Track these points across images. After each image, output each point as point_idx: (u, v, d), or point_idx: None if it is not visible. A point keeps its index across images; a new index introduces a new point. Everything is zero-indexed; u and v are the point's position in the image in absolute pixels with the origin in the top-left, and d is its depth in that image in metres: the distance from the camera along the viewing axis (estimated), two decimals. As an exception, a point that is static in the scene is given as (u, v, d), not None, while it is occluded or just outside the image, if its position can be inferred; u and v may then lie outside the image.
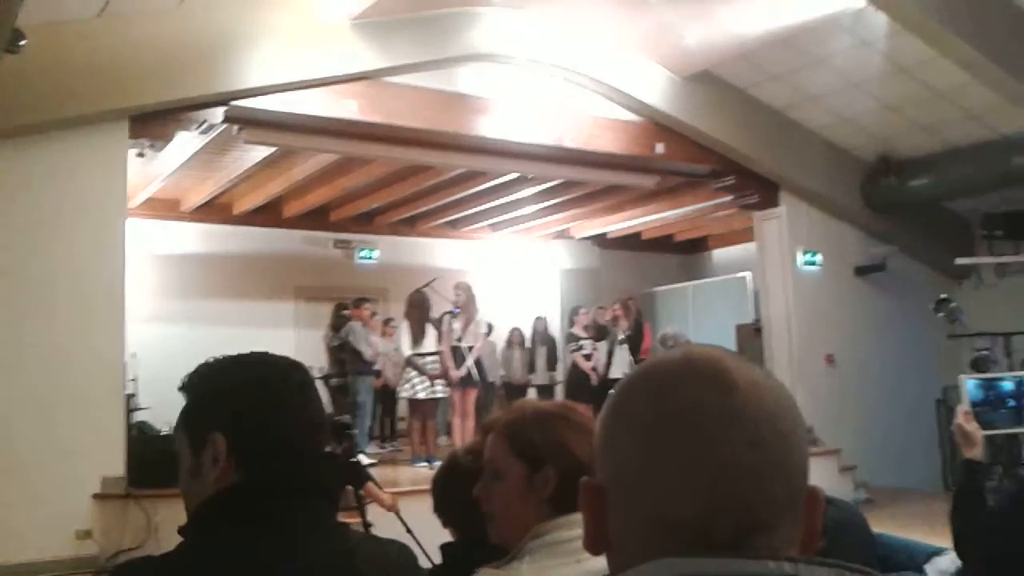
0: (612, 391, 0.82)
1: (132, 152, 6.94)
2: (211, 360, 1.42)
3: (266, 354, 1.44)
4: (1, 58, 5.14)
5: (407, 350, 8.48)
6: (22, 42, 5.19)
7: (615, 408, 0.79)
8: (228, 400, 1.36)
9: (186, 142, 7.80)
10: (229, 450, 1.31)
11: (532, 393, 11.07)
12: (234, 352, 1.44)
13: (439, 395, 8.44)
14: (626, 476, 0.76)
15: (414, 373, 8.39)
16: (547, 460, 1.52)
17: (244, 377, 1.39)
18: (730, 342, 11.09)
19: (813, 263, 9.77)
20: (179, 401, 1.40)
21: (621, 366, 9.46)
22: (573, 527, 1.42)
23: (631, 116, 8.58)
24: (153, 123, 6.72)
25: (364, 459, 7.39)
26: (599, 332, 10.06)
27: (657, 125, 8.66)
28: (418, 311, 8.57)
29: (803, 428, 0.77)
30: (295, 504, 1.30)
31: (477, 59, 7.68)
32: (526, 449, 1.56)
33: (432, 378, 8.36)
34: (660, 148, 8.72)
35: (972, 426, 2.71)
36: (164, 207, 10.79)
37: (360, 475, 3.83)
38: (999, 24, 6.79)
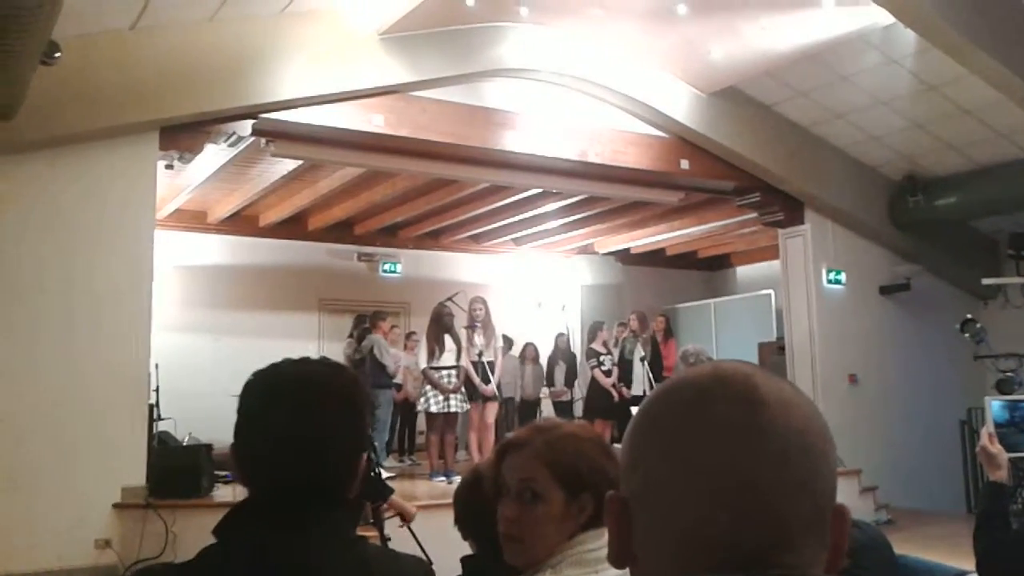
0: (639, 405, 0.82)
1: (161, 164, 7.01)
2: (281, 361, 1.40)
3: (311, 363, 1.40)
4: (36, 70, 5.22)
5: (424, 364, 8.49)
6: (57, 54, 5.28)
7: (643, 422, 0.79)
8: (241, 409, 1.35)
9: (214, 154, 7.88)
10: (235, 460, 1.32)
11: (547, 408, 11.06)
12: (281, 358, 1.40)
13: (453, 410, 8.37)
14: (652, 490, 0.75)
15: (428, 387, 8.40)
16: (588, 488, 1.53)
17: (261, 386, 1.36)
18: (752, 360, 11.02)
19: (838, 281, 9.70)
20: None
21: (640, 383, 9.42)
22: (599, 539, 1.44)
23: (656, 132, 8.58)
24: (183, 135, 6.78)
25: (383, 473, 7.40)
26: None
27: (682, 141, 8.65)
28: (435, 325, 8.56)
29: (832, 446, 0.77)
30: (306, 519, 1.28)
31: (503, 74, 7.71)
32: (568, 476, 1.56)
33: (445, 392, 8.33)
34: (685, 164, 8.71)
35: (997, 448, 2.69)
36: (191, 219, 10.91)
37: (380, 489, 3.82)
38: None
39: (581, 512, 1.53)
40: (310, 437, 1.32)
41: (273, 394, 1.35)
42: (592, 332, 10.27)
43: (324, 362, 1.43)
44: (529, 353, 11.24)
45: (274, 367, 1.38)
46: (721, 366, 0.79)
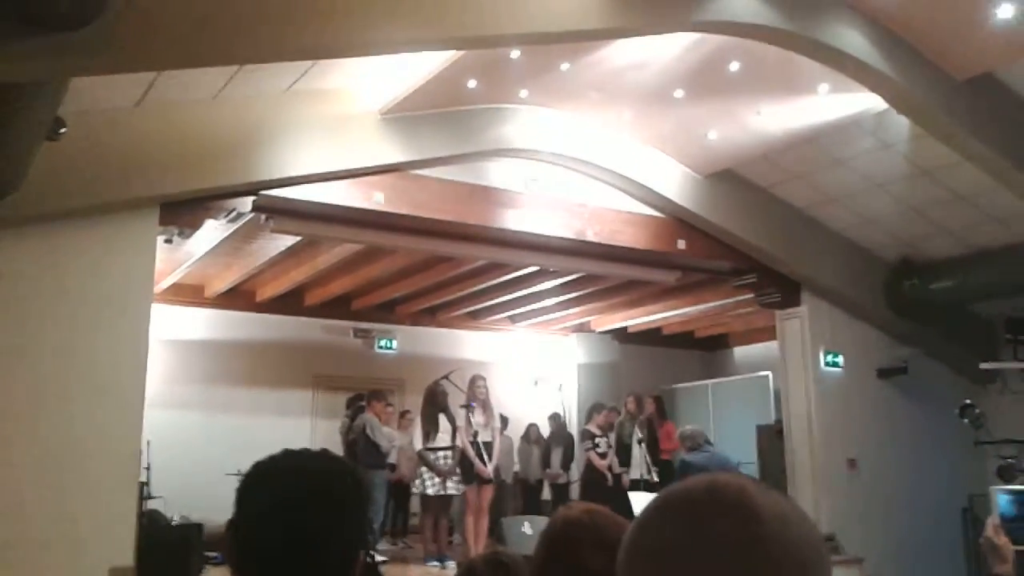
0: (637, 515, 0.82)
1: (160, 239, 7.02)
2: (279, 453, 1.39)
3: (311, 457, 1.38)
4: (41, 145, 5.27)
5: (419, 444, 8.38)
6: (62, 130, 5.33)
7: (638, 534, 0.80)
8: (239, 502, 1.34)
9: (213, 229, 7.91)
10: (231, 555, 1.31)
11: (547, 491, 10.91)
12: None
13: (449, 492, 8.26)
14: None
15: (424, 468, 8.27)
16: None
17: (260, 481, 1.35)
18: (751, 443, 10.93)
19: (835, 364, 9.66)
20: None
21: (639, 466, 9.30)
22: None
23: (654, 212, 8.66)
24: (183, 211, 6.81)
25: (377, 556, 7.24)
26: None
27: (679, 221, 8.72)
28: (429, 404, 8.47)
29: (828, 561, 0.79)
30: None
31: (503, 154, 7.81)
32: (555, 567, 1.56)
33: (442, 475, 8.20)
34: (682, 244, 8.76)
35: (1002, 540, 2.62)
36: (188, 293, 10.89)
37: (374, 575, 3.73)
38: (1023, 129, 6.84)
39: None
40: (309, 534, 1.30)
41: (272, 489, 1.33)
42: (590, 414, 10.16)
43: (325, 455, 1.40)
44: (533, 434, 11.14)
45: (273, 460, 1.36)
46: (717, 478, 0.80)
